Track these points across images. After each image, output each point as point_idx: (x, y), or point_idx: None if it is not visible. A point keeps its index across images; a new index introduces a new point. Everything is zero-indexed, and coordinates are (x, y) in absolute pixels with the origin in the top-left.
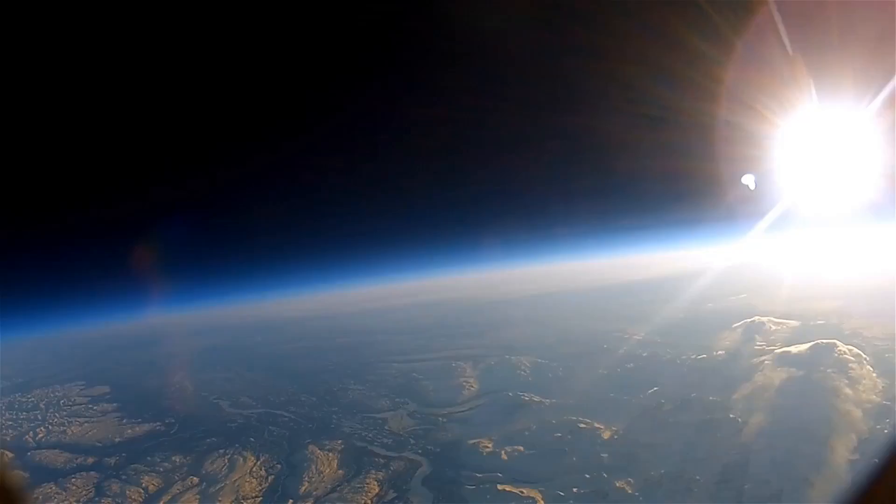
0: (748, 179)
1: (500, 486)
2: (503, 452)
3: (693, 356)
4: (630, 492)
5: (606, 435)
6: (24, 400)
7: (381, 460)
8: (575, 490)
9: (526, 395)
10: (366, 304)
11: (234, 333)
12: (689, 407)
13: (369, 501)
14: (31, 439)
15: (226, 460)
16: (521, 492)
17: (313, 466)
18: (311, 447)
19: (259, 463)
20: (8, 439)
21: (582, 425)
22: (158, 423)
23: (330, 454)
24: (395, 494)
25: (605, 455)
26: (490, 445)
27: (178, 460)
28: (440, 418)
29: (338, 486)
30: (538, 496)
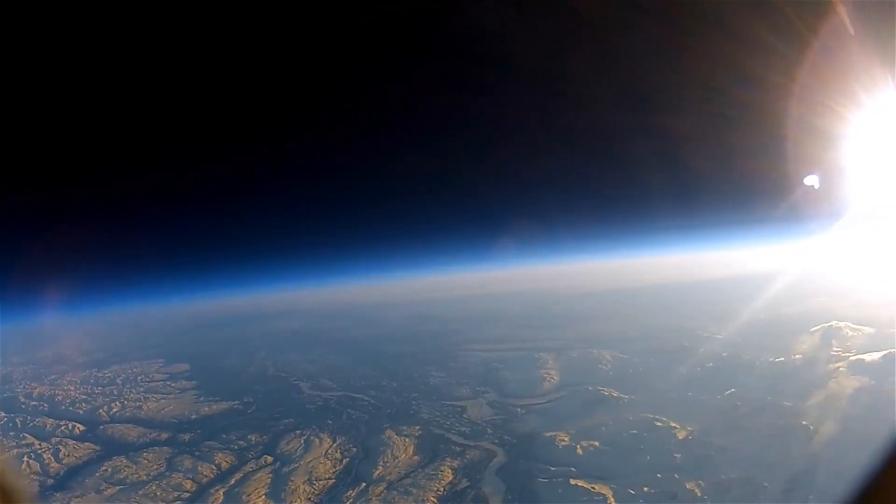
0: (813, 179)
1: (572, 481)
2: (578, 447)
3: (771, 359)
4: (699, 494)
5: (681, 435)
6: (100, 375)
7: (458, 448)
8: (646, 489)
9: (605, 389)
10: (450, 292)
11: (318, 317)
12: (763, 411)
13: (442, 489)
14: (104, 413)
15: (301, 441)
16: (593, 487)
17: (389, 451)
18: (388, 432)
19: (335, 445)
20: (80, 412)
21: (658, 423)
22: (236, 402)
23: (407, 440)
24: (467, 483)
25: (678, 455)
26: (566, 439)
27: (253, 439)
28: (519, 409)
29: (412, 471)
30: (609, 493)
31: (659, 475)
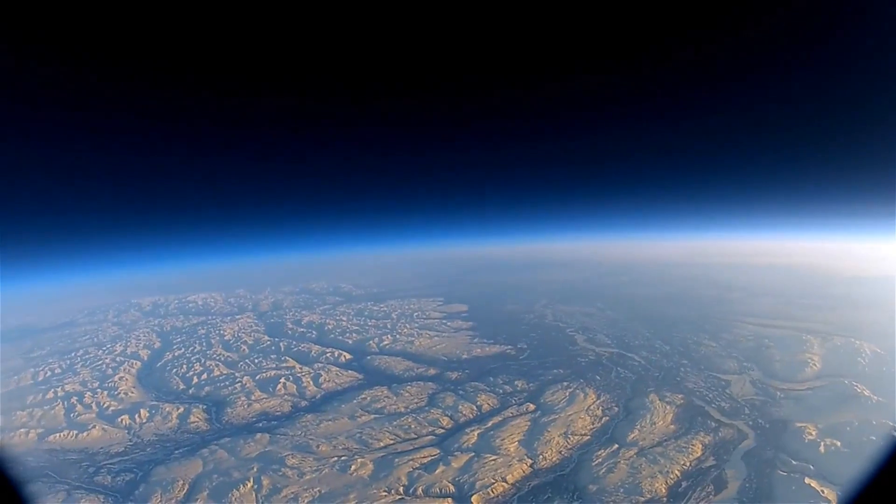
0: None
1: (806, 480)
2: (822, 444)
3: None
4: None
5: None
6: (375, 308)
7: (713, 424)
8: None
9: (859, 386)
10: (732, 258)
11: (602, 271)
12: None
13: (688, 464)
14: (374, 345)
15: (566, 394)
16: (822, 491)
17: (648, 416)
18: (651, 396)
19: (598, 402)
20: (349, 342)
21: None
22: (509, 347)
23: (668, 407)
24: (713, 462)
25: None
26: (814, 433)
27: (520, 385)
28: (778, 392)
29: (665, 440)
30: (833, 500)
31: None
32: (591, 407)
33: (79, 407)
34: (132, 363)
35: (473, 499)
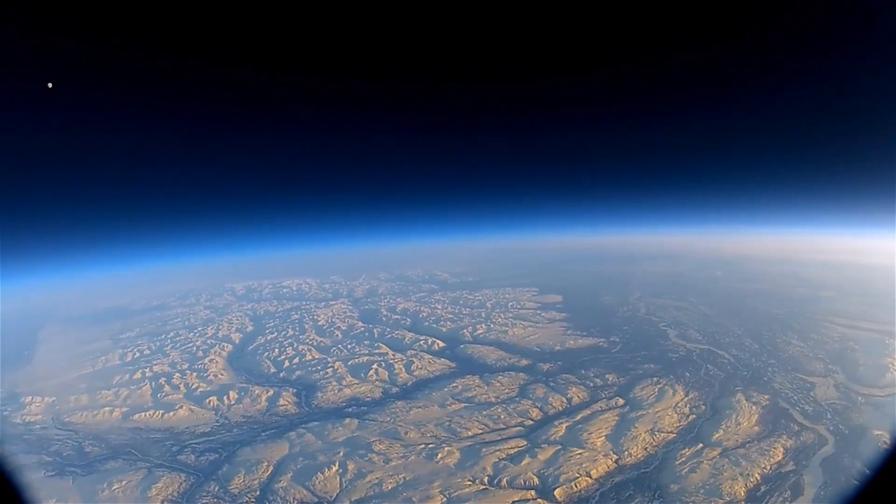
0: None
1: None
2: None
3: None
4: None
5: None
6: (470, 297)
7: (796, 427)
8: None
9: None
10: (822, 256)
11: (695, 263)
12: None
13: (768, 467)
14: (468, 334)
15: (656, 389)
16: None
17: (734, 416)
18: (738, 395)
19: (686, 399)
20: (443, 330)
21: None
22: (602, 340)
23: (753, 407)
24: (792, 467)
25: None
26: (889, 442)
27: (610, 379)
28: (859, 397)
29: (748, 442)
30: None
31: None
32: (679, 404)
33: (166, 387)
34: (223, 346)
35: (556, 492)
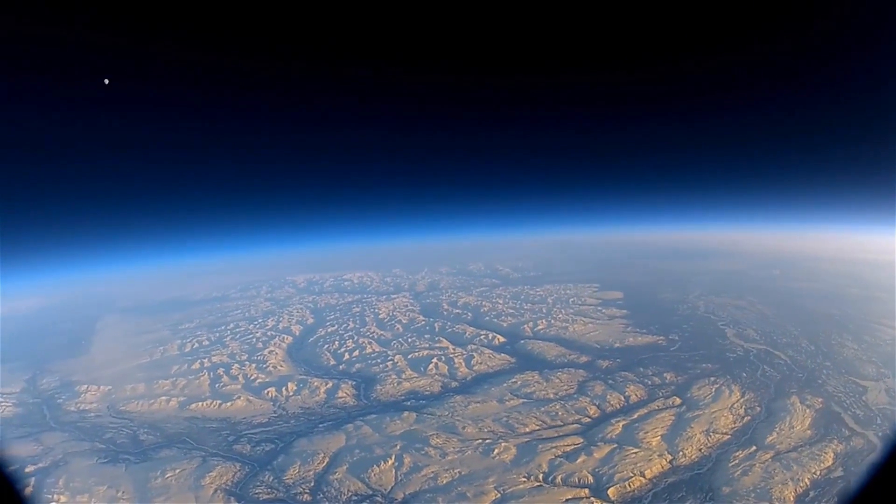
0: None
1: None
2: None
3: None
4: None
5: None
6: (531, 292)
7: (847, 432)
8: None
9: None
10: (873, 255)
11: (755, 261)
12: None
13: (819, 473)
14: (528, 329)
15: (712, 389)
16: None
17: (788, 418)
18: (793, 398)
19: (742, 400)
20: (504, 325)
21: None
22: (661, 338)
23: (807, 410)
24: (841, 473)
25: None
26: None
27: (668, 377)
28: None
29: (800, 446)
30: None
31: None
32: (735, 405)
33: (225, 378)
34: (283, 338)
35: (610, 491)
